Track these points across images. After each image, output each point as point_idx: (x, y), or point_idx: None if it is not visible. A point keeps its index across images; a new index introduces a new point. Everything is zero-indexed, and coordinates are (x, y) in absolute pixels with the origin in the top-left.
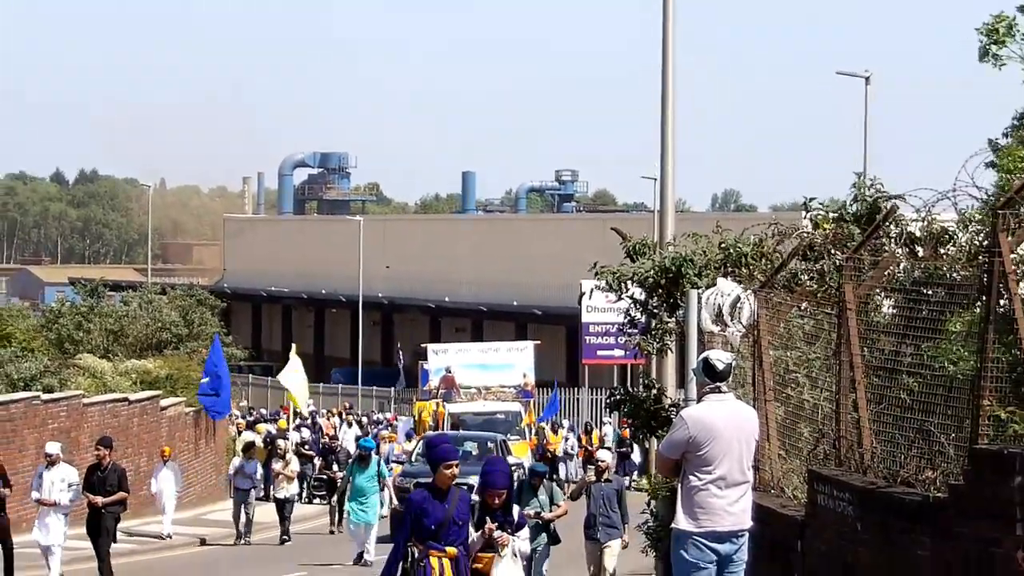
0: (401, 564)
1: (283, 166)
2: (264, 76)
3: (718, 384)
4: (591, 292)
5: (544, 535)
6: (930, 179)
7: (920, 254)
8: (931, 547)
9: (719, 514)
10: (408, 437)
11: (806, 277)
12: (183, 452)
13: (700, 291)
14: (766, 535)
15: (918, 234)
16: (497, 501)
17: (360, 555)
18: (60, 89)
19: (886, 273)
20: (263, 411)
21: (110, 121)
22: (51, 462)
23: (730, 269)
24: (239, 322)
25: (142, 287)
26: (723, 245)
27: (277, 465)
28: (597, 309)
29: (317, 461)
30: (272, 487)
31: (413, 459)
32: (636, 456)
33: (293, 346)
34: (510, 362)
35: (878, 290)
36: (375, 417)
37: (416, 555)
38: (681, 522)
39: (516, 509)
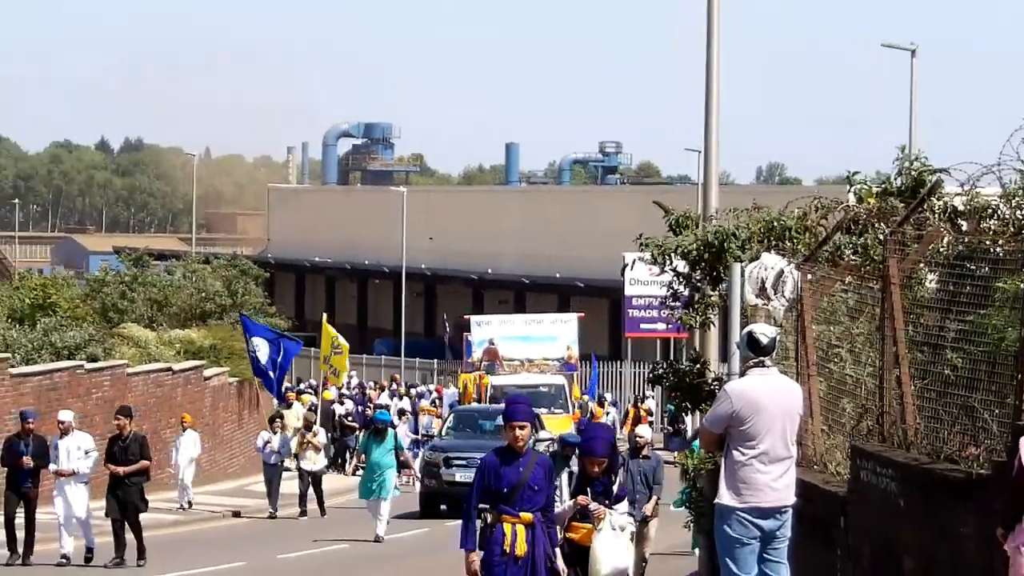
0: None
1: (327, 136)
2: (310, 45)
3: (762, 358)
4: (633, 263)
5: None
6: (976, 153)
7: (963, 228)
8: (974, 524)
9: (763, 490)
10: (451, 408)
11: (849, 251)
12: (226, 423)
13: (743, 264)
14: (808, 511)
15: (961, 208)
16: (597, 469)
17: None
18: (106, 60)
19: (930, 247)
20: (312, 382)
21: (158, 91)
22: (64, 431)
23: (773, 243)
24: (283, 292)
25: (186, 256)
26: (766, 219)
27: (305, 436)
28: (640, 282)
29: (360, 434)
30: (299, 459)
31: (443, 433)
32: (689, 431)
33: (323, 316)
34: (554, 334)
35: (922, 264)
36: (419, 389)
37: (489, 520)
38: (724, 497)
39: (618, 480)
